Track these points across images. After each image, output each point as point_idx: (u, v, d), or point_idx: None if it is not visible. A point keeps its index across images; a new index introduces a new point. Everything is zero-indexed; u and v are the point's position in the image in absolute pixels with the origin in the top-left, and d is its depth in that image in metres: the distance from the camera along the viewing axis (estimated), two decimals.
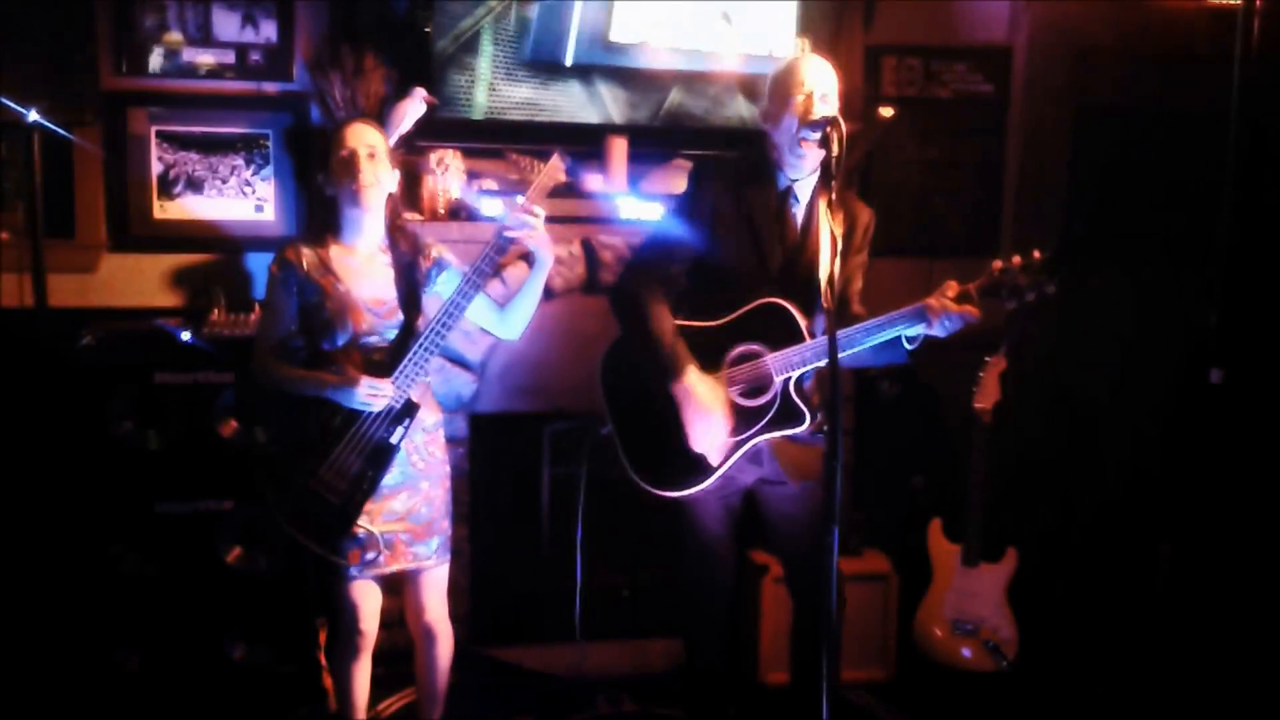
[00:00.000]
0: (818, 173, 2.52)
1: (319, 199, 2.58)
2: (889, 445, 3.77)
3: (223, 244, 3.45)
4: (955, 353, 3.34)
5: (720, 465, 2.50)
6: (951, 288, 2.34)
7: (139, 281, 3.41)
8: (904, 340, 2.42)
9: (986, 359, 3.28)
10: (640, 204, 3.45)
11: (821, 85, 2.45)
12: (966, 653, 3.33)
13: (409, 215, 3.14)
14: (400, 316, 2.54)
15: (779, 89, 2.49)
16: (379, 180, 2.51)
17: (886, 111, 3.74)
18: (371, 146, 2.50)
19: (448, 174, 3.36)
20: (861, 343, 2.40)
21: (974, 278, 2.36)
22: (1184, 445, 3.19)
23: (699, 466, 2.51)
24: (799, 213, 2.55)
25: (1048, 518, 3.79)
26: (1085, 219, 3.84)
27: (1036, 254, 2.29)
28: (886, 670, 3.47)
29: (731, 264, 2.52)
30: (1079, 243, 3.80)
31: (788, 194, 2.54)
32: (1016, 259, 2.30)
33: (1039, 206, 3.91)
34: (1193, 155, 3.46)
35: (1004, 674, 3.30)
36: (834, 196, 2.24)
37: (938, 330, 2.35)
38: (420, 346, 2.47)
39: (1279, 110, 3.09)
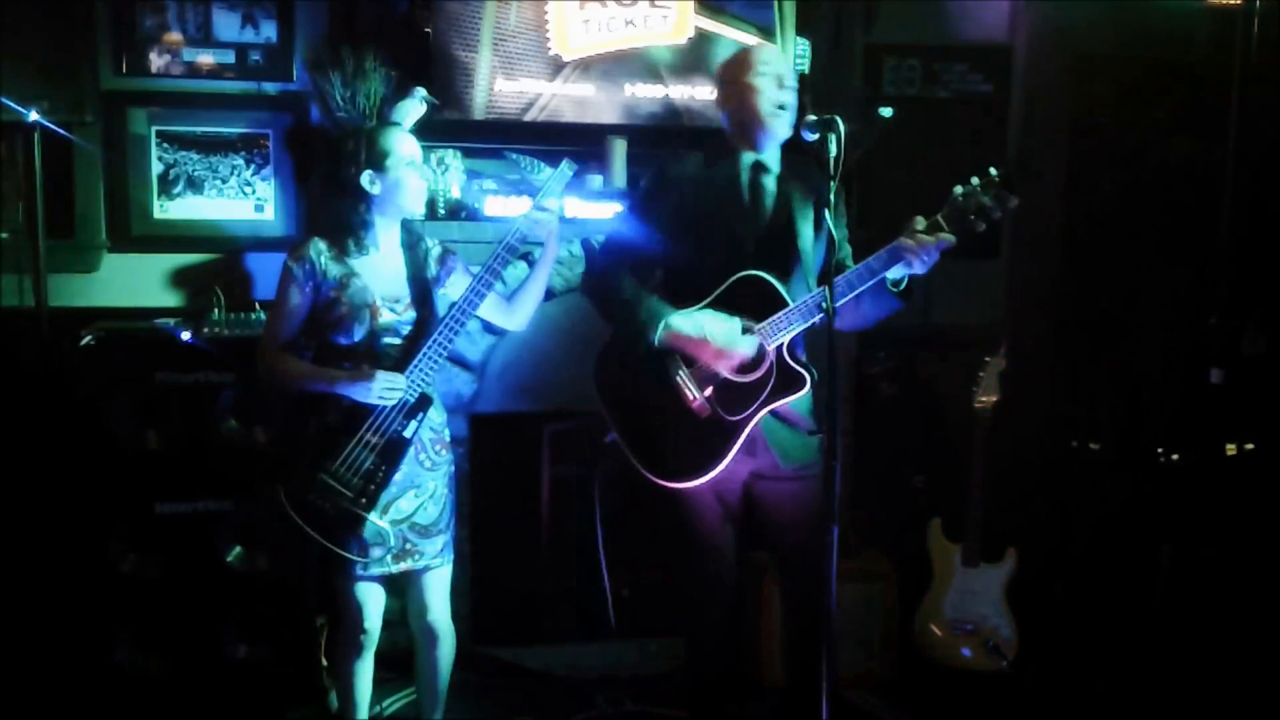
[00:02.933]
0: (783, 141, 2.56)
1: (353, 195, 2.53)
2: (889, 445, 3.77)
3: (223, 244, 3.45)
4: (955, 353, 3.37)
5: (743, 424, 2.47)
6: (919, 222, 2.34)
7: (139, 281, 3.41)
8: (889, 285, 2.42)
9: (986, 359, 3.28)
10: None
11: (777, 68, 2.51)
12: (966, 653, 3.33)
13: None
14: (414, 313, 2.57)
15: (735, 76, 2.54)
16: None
17: (886, 111, 3.74)
18: (420, 155, 2.61)
19: (448, 174, 3.36)
20: (844, 295, 2.39)
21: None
22: (1184, 446, 3.19)
23: (705, 453, 2.51)
24: (769, 182, 2.57)
25: (1048, 518, 3.79)
26: (1084, 219, 3.85)
27: (994, 172, 2.31)
28: (886, 670, 3.47)
29: (705, 247, 2.53)
30: (1077, 242, 3.80)
31: (758, 168, 2.57)
32: (975, 180, 2.32)
33: (1038, 206, 3.91)
34: (1192, 155, 3.47)
35: (1004, 674, 3.30)
36: (832, 197, 2.24)
37: (917, 266, 2.35)
38: (434, 342, 2.50)
39: (1279, 111, 3.09)
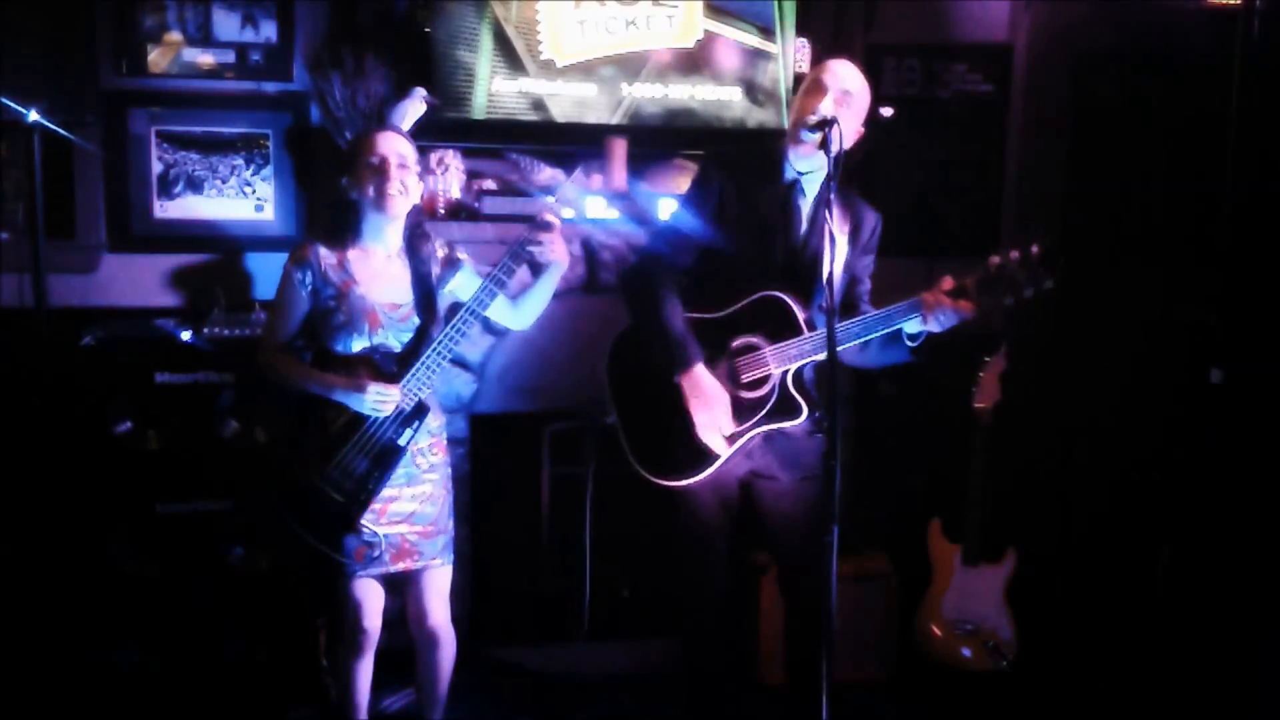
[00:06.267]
0: (825, 169, 2.53)
1: (342, 201, 2.56)
2: (889, 445, 3.77)
3: (223, 244, 3.45)
4: (955, 353, 3.36)
5: (723, 454, 2.52)
6: (947, 282, 2.34)
7: (139, 281, 3.41)
8: (905, 338, 2.42)
9: (986, 359, 3.28)
10: (640, 204, 3.45)
11: (845, 85, 2.48)
12: (966, 653, 3.33)
13: None
14: (415, 321, 2.56)
15: (806, 86, 2.53)
16: (407, 190, 2.54)
17: (886, 111, 3.74)
18: (402, 156, 2.53)
19: (448, 174, 3.36)
20: (858, 336, 2.41)
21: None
22: (1184, 446, 3.19)
23: (701, 456, 2.52)
24: (804, 206, 2.57)
25: (1048, 518, 3.79)
26: (1084, 219, 3.84)
27: (1035, 249, 2.27)
28: (886, 670, 3.47)
29: (736, 256, 2.54)
30: (1078, 242, 3.79)
31: (794, 187, 2.56)
32: (1014, 254, 2.28)
33: (1038, 206, 3.91)
34: (1192, 155, 3.46)
35: (1004, 674, 3.30)
36: (832, 196, 2.25)
37: (933, 325, 2.36)
38: (434, 351, 2.50)
39: (1279, 110, 3.08)
